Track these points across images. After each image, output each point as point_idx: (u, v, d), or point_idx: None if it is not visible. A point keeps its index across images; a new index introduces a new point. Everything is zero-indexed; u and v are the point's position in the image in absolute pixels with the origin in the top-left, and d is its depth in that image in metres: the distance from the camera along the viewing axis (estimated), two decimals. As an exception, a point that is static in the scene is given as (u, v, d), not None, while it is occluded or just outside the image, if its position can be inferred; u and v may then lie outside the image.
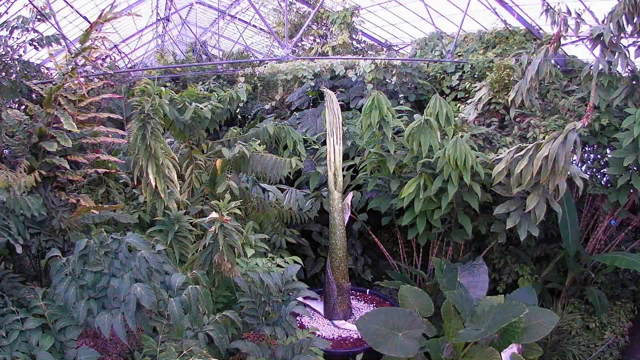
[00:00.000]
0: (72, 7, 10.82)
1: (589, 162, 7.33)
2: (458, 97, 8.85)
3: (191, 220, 5.78)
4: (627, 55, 5.92)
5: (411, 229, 6.77)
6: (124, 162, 6.21)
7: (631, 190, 6.33)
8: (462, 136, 6.10)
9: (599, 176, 7.18)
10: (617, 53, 5.82)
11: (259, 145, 6.75)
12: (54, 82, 5.59)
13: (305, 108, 10.05)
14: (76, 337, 3.73)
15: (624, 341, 6.58)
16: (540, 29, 8.65)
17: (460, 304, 5.26)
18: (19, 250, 4.09)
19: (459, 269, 6.21)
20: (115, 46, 14.44)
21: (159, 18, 17.06)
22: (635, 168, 6.10)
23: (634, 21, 5.62)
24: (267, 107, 11.58)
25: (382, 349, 5.12)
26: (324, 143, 7.00)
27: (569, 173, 5.64)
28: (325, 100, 6.82)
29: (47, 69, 7.88)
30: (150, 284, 3.57)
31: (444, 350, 5.17)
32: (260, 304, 4.63)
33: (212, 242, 4.96)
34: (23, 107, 6.03)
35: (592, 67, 6.06)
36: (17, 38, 4.88)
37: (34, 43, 4.89)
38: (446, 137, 6.49)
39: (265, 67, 10.40)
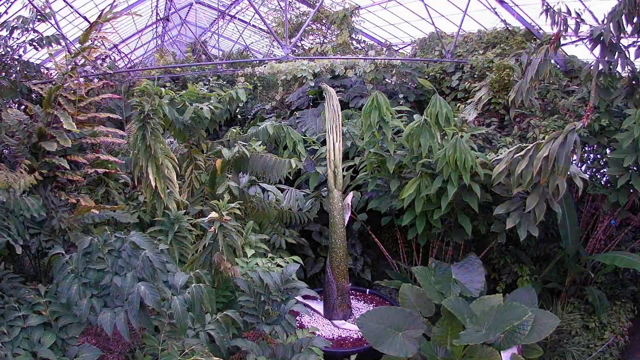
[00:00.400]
0: (71, 7, 10.82)
1: (588, 162, 7.33)
2: (458, 97, 8.85)
3: (191, 221, 5.78)
4: (627, 56, 5.92)
5: (411, 229, 6.77)
6: (123, 162, 6.22)
7: (631, 191, 6.33)
8: (462, 136, 6.10)
9: (598, 176, 7.18)
10: (617, 53, 5.82)
11: (259, 145, 6.75)
12: (53, 82, 5.59)
13: (305, 108, 10.05)
14: (78, 334, 3.75)
15: (623, 341, 6.58)
16: (540, 29, 8.65)
17: (457, 309, 5.25)
18: (18, 250, 4.10)
19: (452, 269, 6.20)
20: (115, 46, 14.44)
21: (158, 18, 17.05)
22: (635, 168, 6.11)
23: (634, 21, 5.62)
24: (267, 107, 11.58)
25: (382, 347, 5.12)
26: (324, 143, 7.00)
27: (569, 173, 5.64)
28: (324, 97, 6.80)
29: (47, 69, 7.88)
30: (153, 283, 3.59)
31: (438, 352, 5.16)
32: (260, 303, 4.64)
33: (212, 242, 4.96)
34: (23, 107, 6.03)
35: (592, 68, 6.06)
36: (17, 38, 4.88)
37: (34, 43, 4.89)
38: (446, 137, 6.49)
39: (265, 67, 10.42)
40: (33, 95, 6.43)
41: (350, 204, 6.95)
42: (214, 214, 4.93)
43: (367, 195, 7.55)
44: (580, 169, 6.84)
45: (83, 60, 5.36)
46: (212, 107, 6.27)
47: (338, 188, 6.61)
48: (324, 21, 12.57)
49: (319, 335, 5.90)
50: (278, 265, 5.56)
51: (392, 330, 5.30)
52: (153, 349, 3.79)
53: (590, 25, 6.06)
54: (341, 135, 6.69)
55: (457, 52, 9.33)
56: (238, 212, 5.50)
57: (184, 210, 5.88)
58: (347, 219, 6.84)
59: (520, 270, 7.10)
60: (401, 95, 9.11)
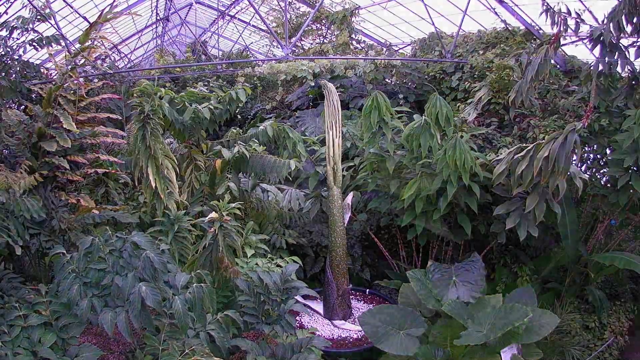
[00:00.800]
0: (71, 7, 10.81)
1: (588, 162, 7.33)
2: (458, 97, 8.85)
3: (191, 221, 5.78)
4: (627, 56, 5.92)
5: (411, 229, 6.77)
6: (123, 162, 6.22)
7: (631, 191, 6.33)
8: (462, 137, 6.10)
9: (598, 176, 7.18)
10: (617, 53, 5.82)
11: (259, 145, 6.74)
12: (53, 82, 5.59)
13: (305, 108, 10.06)
14: (78, 334, 3.76)
15: (623, 341, 6.58)
16: (540, 29, 8.65)
17: (457, 312, 5.25)
18: (18, 251, 4.10)
19: (453, 269, 6.20)
20: (115, 46, 14.44)
21: (158, 18, 17.05)
22: (635, 169, 6.11)
23: (634, 21, 5.61)
24: (267, 107, 11.58)
25: (383, 345, 5.14)
26: (323, 144, 6.99)
27: (568, 173, 5.64)
28: (324, 95, 6.75)
29: (47, 69, 7.88)
30: (154, 283, 3.59)
31: (436, 354, 5.16)
32: (260, 303, 4.64)
33: (212, 242, 4.96)
34: (23, 107, 6.04)
35: (592, 68, 6.06)
36: (17, 38, 4.88)
37: (34, 43, 4.89)
38: (446, 137, 6.49)
39: (264, 67, 10.42)
40: (33, 95, 6.43)
41: (350, 204, 6.94)
42: (214, 214, 4.93)
43: (367, 195, 7.54)
44: (580, 169, 6.85)
45: (83, 60, 5.36)
46: (211, 108, 6.27)
47: (338, 185, 6.60)
48: (323, 21, 12.56)
49: (318, 335, 5.90)
50: (278, 266, 5.57)
51: (394, 328, 5.31)
52: (153, 349, 3.78)
53: (590, 25, 6.06)
54: (341, 131, 6.66)
55: (457, 52, 9.33)
56: (238, 212, 5.50)
57: (184, 211, 5.88)
58: (347, 219, 6.82)
59: (520, 270, 7.10)
60: (401, 96, 9.11)
